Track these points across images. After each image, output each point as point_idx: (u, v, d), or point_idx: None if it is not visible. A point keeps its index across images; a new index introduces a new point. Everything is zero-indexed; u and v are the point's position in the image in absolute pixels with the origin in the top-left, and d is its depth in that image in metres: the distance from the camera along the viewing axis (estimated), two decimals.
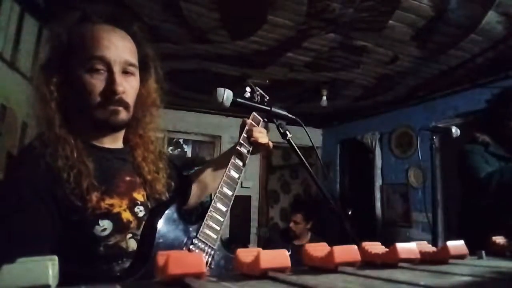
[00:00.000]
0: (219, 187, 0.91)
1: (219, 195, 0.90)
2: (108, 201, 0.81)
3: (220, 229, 0.86)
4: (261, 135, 1.04)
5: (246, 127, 1.04)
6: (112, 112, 0.83)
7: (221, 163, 1.13)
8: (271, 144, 1.07)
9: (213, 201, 0.88)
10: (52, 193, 0.75)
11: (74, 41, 0.83)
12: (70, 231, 0.75)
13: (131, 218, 0.83)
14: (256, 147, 1.05)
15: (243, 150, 1.01)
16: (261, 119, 1.10)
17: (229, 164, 0.95)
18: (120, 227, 0.80)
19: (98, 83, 0.81)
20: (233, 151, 1.01)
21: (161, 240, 0.75)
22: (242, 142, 1.01)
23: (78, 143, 0.82)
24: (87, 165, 0.79)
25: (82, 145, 0.83)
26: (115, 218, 0.80)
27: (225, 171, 0.94)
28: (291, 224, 3.15)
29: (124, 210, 0.83)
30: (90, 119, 0.84)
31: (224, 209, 0.89)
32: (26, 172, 0.75)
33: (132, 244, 0.82)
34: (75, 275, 0.71)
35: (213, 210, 0.87)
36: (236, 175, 0.95)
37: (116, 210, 0.81)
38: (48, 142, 0.78)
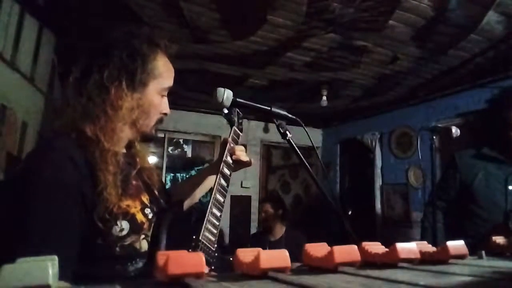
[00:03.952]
0: (213, 194, 0.98)
1: (214, 201, 0.96)
2: (125, 202, 0.83)
3: (217, 232, 0.93)
4: (243, 153, 1.16)
5: (228, 146, 1.12)
6: (156, 130, 0.97)
7: (196, 182, 1.24)
8: (252, 161, 1.20)
9: (209, 207, 0.94)
10: (82, 193, 0.75)
11: (154, 68, 0.91)
12: (89, 230, 0.75)
13: (143, 219, 0.86)
14: (238, 164, 1.16)
15: (229, 160, 1.11)
16: (241, 133, 1.20)
17: (219, 173, 1.03)
18: (136, 227, 0.83)
19: (161, 105, 0.94)
20: (206, 173, 1.21)
21: (169, 241, 0.79)
22: (226, 159, 1.10)
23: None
24: (115, 167, 0.81)
25: None
26: (131, 219, 0.82)
27: (217, 180, 1.02)
28: (263, 215, 3.20)
29: (138, 211, 0.85)
30: (140, 133, 0.93)
31: (218, 214, 0.96)
32: (61, 170, 0.74)
33: (144, 245, 0.84)
34: (89, 275, 0.72)
35: (210, 215, 0.93)
36: (225, 183, 1.04)
37: (132, 211, 0.83)
38: (84, 143, 0.79)
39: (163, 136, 4.47)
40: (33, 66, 2.16)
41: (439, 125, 1.69)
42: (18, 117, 1.96)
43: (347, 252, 0.44)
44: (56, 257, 0.33)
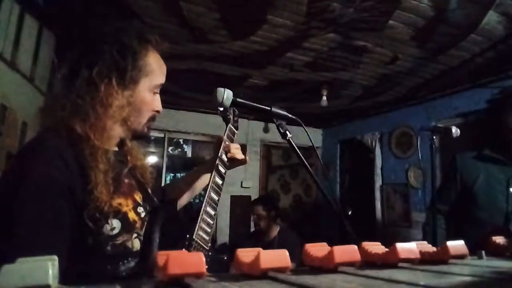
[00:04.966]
0: (208, 192, 0.96)
1: (208, 200, 0.95)
2: (117, 200, 0.81)
3: (211, 231, 0.91)
4: (238, 151, 1.14)
5: (223, 144, 1.12)
6: (149, 127, 0.95)
7: (191, 180, 1.23)
8: (247, 159, 1.19)
9: (203, 205, 0.93)
10: (73, 192, 0.74)
11: (146, 64, 0.89)
12: (79, 229, 0.74)
13: (136, 218, 0.85)
14: (233, 162, 1.15)
15: (224, 158, 1.10)
16: (236, 131, 1.20)
17: (214, 171, 1.02)
18: (128, 226, 0.81)
19: (153, 103, 0.93)
20: (201, 171, 1.20)
21: (163, 240, 0.77)
22: (221, 157, 1.09)
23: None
24: (106, 165, 0.80)
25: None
26: (123, 218, 0.81)
27: (211, 178, 1.00)
28: (255, 217, 3.15)
29: (130, 210, 0.84)
30: (131, 130, 0.91)
31: (213, 212, 0.94)
32: (51, 168, 0.73)
33: (136, 244, 0.83)
34: (79, 274, 0.71)
35: (204, 213, 0.92)
36: (220, 182, 1.02)
37: (124, 209, 0.82)
38: (74, 142, 0.78)
39: (163, 136, 4.46)
40: (33, 66, 2.16)
41: (439, 125, 1.69)
42: (18, 117, 1.95)
43: (347, 252, 0.44)
44: (56, 257, 0.33)
